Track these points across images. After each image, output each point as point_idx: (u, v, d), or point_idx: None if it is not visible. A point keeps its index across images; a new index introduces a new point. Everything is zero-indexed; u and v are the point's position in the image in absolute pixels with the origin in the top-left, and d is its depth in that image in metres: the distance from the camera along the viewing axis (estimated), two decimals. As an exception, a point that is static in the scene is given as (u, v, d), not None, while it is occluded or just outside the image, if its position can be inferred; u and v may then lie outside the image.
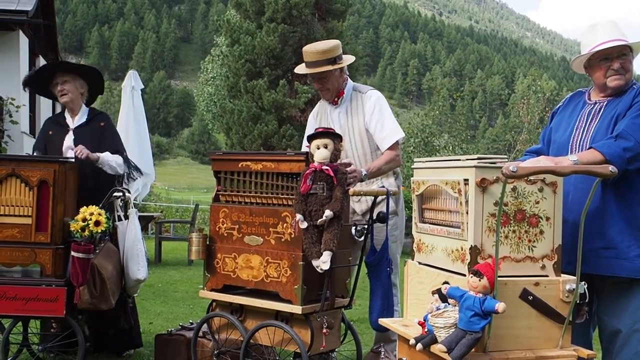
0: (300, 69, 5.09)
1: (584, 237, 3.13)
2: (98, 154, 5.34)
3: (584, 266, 3.15)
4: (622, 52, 3.68)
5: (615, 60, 3.68)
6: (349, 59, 5.07)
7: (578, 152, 3.63)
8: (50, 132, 5.59)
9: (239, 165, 4.58)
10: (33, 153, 5.63)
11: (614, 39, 3.66)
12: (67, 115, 5.61)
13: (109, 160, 5.42)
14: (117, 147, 5.60)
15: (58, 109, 28.82)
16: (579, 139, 3.68)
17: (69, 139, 5.48)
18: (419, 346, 3.07)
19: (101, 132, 5.59)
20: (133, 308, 5.71)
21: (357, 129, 5.01)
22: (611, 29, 3.70)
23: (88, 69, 5.75)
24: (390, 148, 4.92)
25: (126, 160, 5.58)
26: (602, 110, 3.68)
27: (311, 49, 4.95)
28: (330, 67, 4.90)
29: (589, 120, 3.70)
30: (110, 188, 5.27)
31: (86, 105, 5.69)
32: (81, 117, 5.59)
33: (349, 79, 5.15)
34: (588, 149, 3.52)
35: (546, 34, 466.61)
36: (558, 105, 4.10)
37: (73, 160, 5.18)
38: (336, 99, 5.09)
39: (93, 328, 5.47)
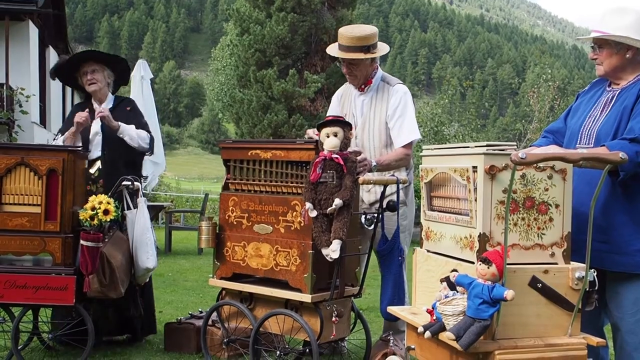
0: (332, 50, 5.03)
1: (582, 227, 3.13)
2: (119, 123, 5.44)
3: (580, 257, 3.14)
4: (597, 44, 3.69)
5: (592, 50, 3.74)
6: (383, 49, 5.00)
7: (586, 141, 3.62)
8: None
9: (249, 154, 4.57)
10: (56, 136, 5.67)
11: (598, 29, 3.66)
12: (94, 103, 5.66)
13: (130, 131, 5.50)
14: (143, 127, 5.67)
15: (68, 99, 28.95)
16: (588, 128, 3.66)
17: (96, 125, 5.52)
18: (428, 334, 3.07)
19: (127, 116, 5.65)
20: (150, 295, 5.79)
21: (377, 120, 4.98)
22: (607, 18, 3.68)
23: (117, 59, 5.81)
24: (403, 146, 4.89)
25: (151, 139, 5.67)
26: (613, 99, 3.65)
27: (347, 33, 4.88)
28: (362, 56, 4.85)
29: (601, 110, 3.68)
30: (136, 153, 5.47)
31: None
32: (107, 105, 5.65)
33: (379, 68, 5.10)
34: (596, 144, 3.50)
35: (557, 22, 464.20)
36: (585, 88, 4.09)
37: (81, 149, 5.21)
38: (363, 87, 5.06)
39: (113, 313, 5.52)
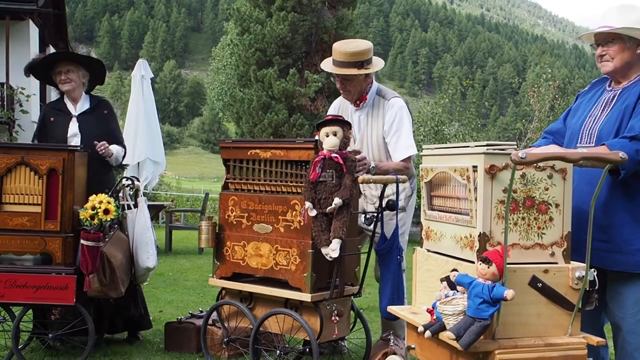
0: (326, 66, 5.02)
1: (583, 226, 3.12)
2: (112, 151, 5.48)
3: (580, 256, 3.14)
4: (607, 39, 3.65)
5: (600, 46, 3.69)
6: (377, 65, 4.97)
7: (587, 140, 3.61)
8: (52, 119, 5.58)
9: (248, 153, 4.57)
10: (33, 142, 5.64)
11: (603, 25, 3.64)
12: (67, 102, 5.62)
13: (117, 155, 5.58)
14: (120, 137, 5.75)
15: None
16: (589, 127, 3.65)
17: (73, 126, 5.50)
18: (428, 333, 3.06)
19: (106, 120, 5.69)
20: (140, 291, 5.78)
21: (375, 135, 4.98)
22: (612, 14, 3.66)
23: (92, 60, 5.79)
24: (402, 161, 4.89)
25: (124, 151, 5.75)
26: (614, 99, 3.65)
27: (340, 49, 4.86)
28: (355, 71, 4.82)
29: (602, 109, 3.67)
30: (105, 174, 5.46)
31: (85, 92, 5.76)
32: (83, 104, 5.63)
33: (373, 82, 5.08)
34: (597, 144, 3.49)
35: (558, 21, 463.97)
36: (584, 89, 4.07)
37: (80, 147, 5.20)
38: (358, 102, 5.05)
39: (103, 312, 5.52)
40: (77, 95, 5.62)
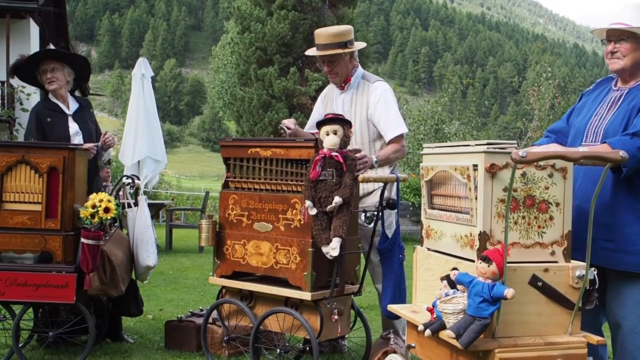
0: (311, 51, 5.12)
1: (587, 225, 3.11)
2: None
3: (584, 255, 3.13)
4: (621, 36, 3.62)
5: (611, 43, 3.66)
6: (359, 44, 5.09)
7: (592, 139, 3.60)
8: (49, 119, 5.51)
9: (249, 152, 4.57)
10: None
11: (617, 22, 3.62)
12: (57, 102, 5.59)
13: (110, 150, 5.73)
14: (98, 127, 5.83)
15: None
16: (595, 127, 3.64)
17: (73, 125, 5.52)
18: (428, 332, 3.07)
19: (94, 119, 5.80)
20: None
21: (358, 117, 5.02)
22: (627, 12, 3.64)
23: (77, 57, 5.81)
24: (395, 140, 4.92)
25: None
26: (621, 98, 3.63)
27: (323, 32, 4.98)
28: (340, 51, 4.92)
29: (608, 108, 3.66)
30: (94, 173, 5.49)
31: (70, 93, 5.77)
32: (72, 104, 5.65)
33: (359, 66, 5.17)
34: (602, 142, 3.48)
35: (558, 20, 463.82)
36: (589, 88, 4.06)
37: (83, 146, 5.20)
38: (343, 84, 5.10)
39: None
40: (64, 94, 5.61)
